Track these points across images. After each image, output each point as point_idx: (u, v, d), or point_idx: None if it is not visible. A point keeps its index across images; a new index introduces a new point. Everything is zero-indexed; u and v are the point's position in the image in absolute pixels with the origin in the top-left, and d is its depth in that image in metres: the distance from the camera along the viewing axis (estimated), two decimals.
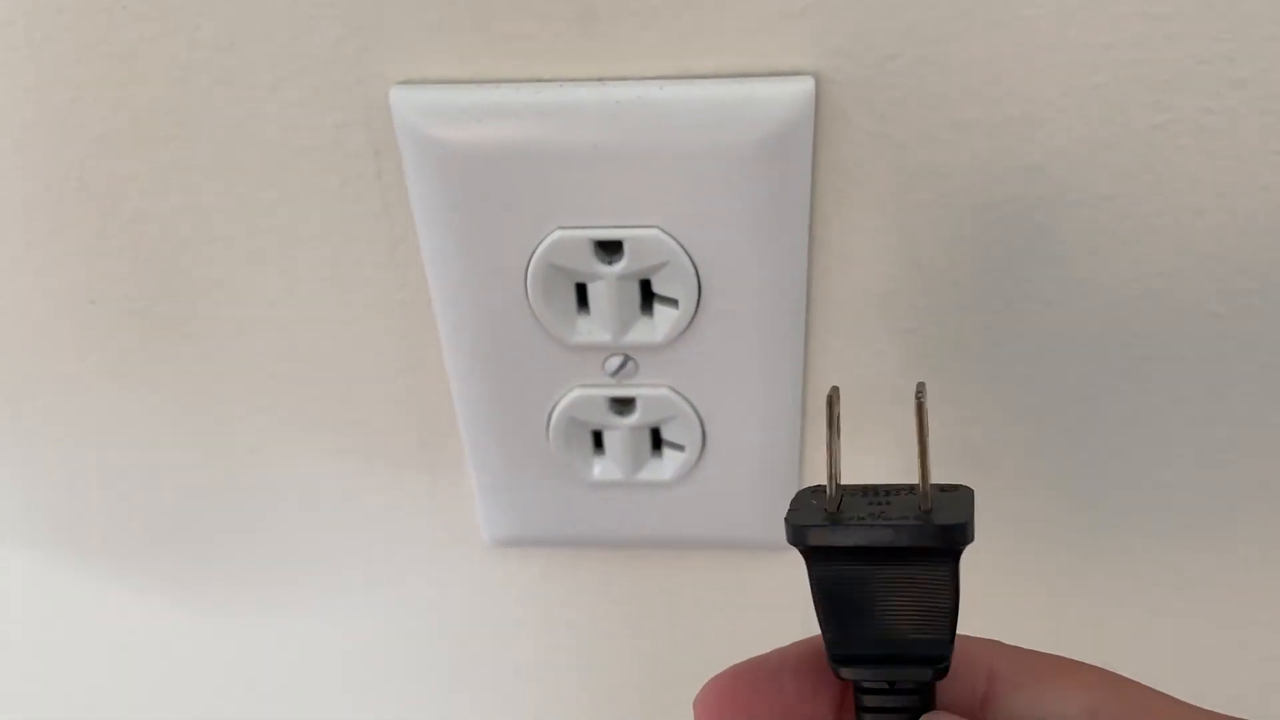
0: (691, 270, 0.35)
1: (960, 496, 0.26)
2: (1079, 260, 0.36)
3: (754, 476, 0.41)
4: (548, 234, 0.35)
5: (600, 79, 0.34)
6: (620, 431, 0.40)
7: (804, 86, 0.33)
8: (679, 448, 0.41)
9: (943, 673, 0.26)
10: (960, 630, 0.26)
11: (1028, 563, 0.45)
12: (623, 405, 0.40)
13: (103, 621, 0.52)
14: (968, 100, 0.33)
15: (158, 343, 0.41)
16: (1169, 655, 0.47)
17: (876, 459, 0.41)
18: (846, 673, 0.26)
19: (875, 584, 0.25)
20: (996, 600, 0.45)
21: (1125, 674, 0.26)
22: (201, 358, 0.41)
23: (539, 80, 0.34)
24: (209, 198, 0.37)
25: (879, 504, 0.26)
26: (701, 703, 0.26)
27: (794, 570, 0.45)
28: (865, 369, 0.39)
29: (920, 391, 0.25)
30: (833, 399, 0.26)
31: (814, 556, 0.26)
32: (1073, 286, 0.36)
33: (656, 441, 0.41)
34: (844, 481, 0.26)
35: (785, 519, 0.26)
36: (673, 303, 0.36)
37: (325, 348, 0.41)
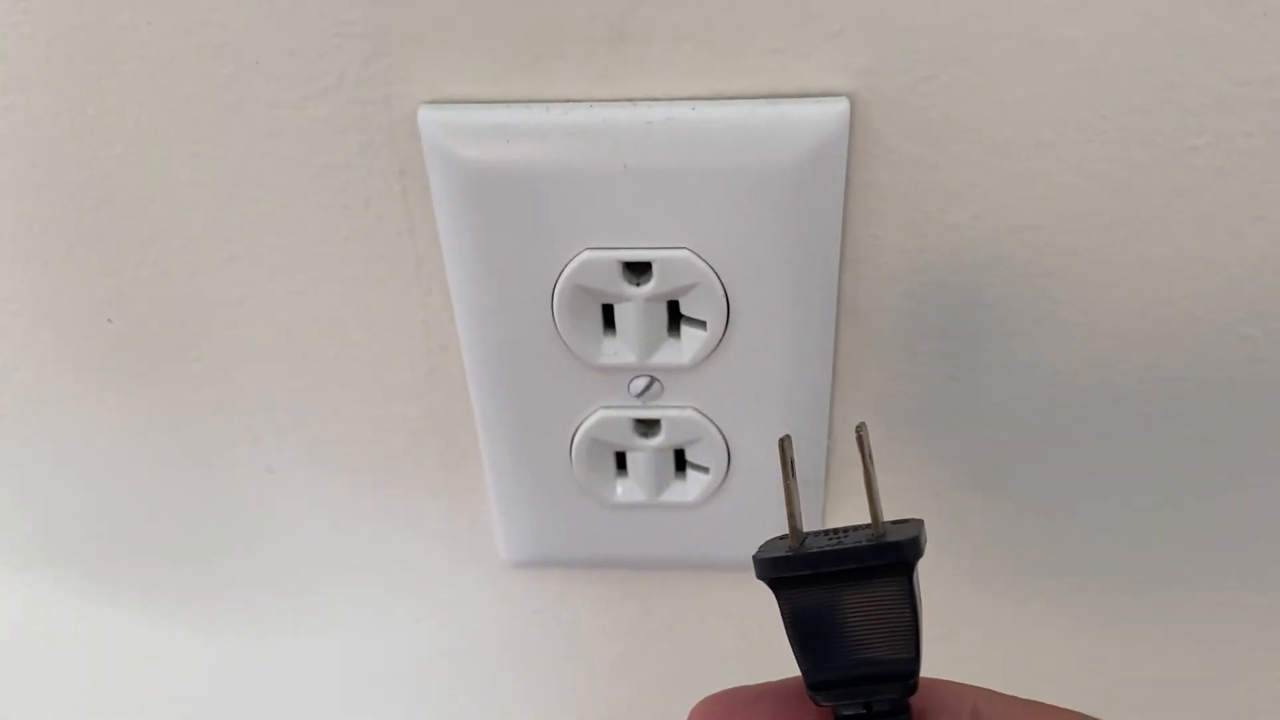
0: (721, 292, 0.35)
1: (911, 524, 0.28)
2: (1112, 283, 0.35)
3: (779, 498, 0.41)
4: (575, 255, 0.35)
5: (631, 99, 0.33)
6: (644, 453, 0.40)
7: (838, 107, 0.32)
8: (703, 469, 0.40)
9: (912, 689, 0.27)
10: (953, 677, 0.28)
11: (1052, 590, 0.44)
12: (647, 426, 0.39)
13: (112, 643, 0.52)
14: (1004, 122, 0.33)
15: (175, 361, 0.41)
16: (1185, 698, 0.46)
17: (904, 479, 0.41)
18: (822, 698, 0.27)
19: (839, 609, 0.27)
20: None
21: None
22: (219, 376, 0.41)
23: (569, 100, 0.33)
24: (230, 216, 0.37)
25: (837, 537, 0.28)
26: None
27: None
28: (895, 391, 0.39)
29: (861, 429, 0.28)
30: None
31: (780, 588, 0.27)
32: (1105, 309, 0.36)
33: (680, 463, 0.41)
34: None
35: (753, 557, 0.28)
36: (701, 324, 0.36)
37: (345, 367, 0.40)
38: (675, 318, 0.37)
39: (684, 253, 0.34)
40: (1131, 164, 0.33)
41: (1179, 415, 0.39)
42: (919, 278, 0.36)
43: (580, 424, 0.39)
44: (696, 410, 0.38)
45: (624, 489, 0.41)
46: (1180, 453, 0.40)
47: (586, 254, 0.35)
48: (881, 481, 0.41)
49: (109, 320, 0.40)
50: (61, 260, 0.38)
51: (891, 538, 0.27)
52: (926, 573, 0.42)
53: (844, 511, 0.42)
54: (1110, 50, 0.31)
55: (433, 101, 0.34)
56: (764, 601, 0.46)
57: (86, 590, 0.49)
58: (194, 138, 0.35)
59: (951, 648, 0.46)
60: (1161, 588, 0.44)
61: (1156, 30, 0.30)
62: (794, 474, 0.28)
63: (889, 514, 0.38)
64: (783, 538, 0.29)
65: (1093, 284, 0.36)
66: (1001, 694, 0.28)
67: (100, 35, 0.33)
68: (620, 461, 0.41)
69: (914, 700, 0.28)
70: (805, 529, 0.29)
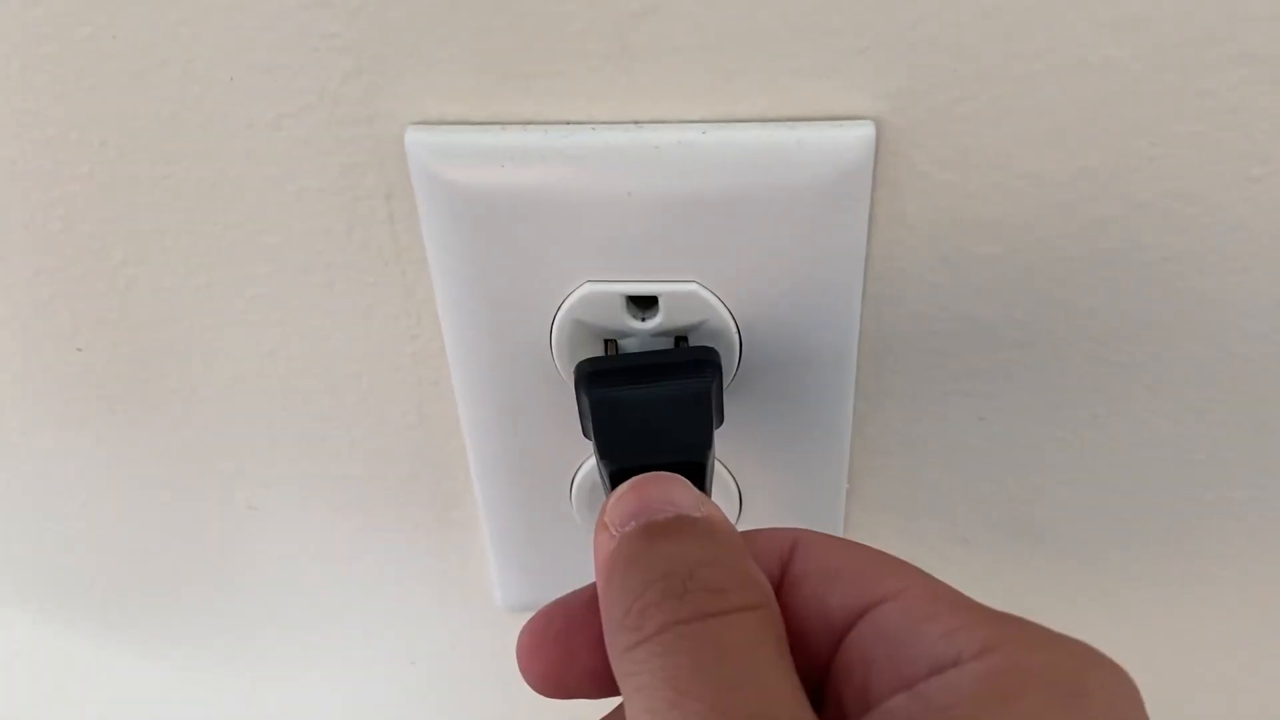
0: (733, 329, 0.32)
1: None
2: (1160, 322, 0.33)
3: None
4: (576, 287, 0.32)
5: (636, 121, 0.30)
6: None
7: (863, 132, 0.29)
8: None
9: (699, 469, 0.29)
10: None
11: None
12: None
13: (87, 684, 0.49)
14: (1043, 148, 0.30)
15: (149, 393, 0.38)
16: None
17: (931, 524, 0.38)
18: (619, 473, 0.28)
19: (642, 405, 0.30)
20: None
21: None
22: (196, 409, 0.38)
23: (568, 122, 0.31)
24: (204, 241, 0.34)
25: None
26: (520, 646, 0.26)
27: None
28: (920, 433, 0.36)
29: None
30: None
31: (593, 383, 0.30)
32: (1148, 350, 0.33)
33: None
34: None
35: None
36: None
37: (329, 401, 0.37)
38: None
39: (692, 286, 0.32)
40: (1184, 195, 0.30)
41: (1226, 462, 0.36)
42: (948, 314, 0.33)
43: (580, 465, 0.37)
44: None
45: None
46: (1226, 499, 0.37)
47: (587, 287, 0.32)
48: (906, 525, 0.38)
49: (78, 349, 0.37)
50: (27, 286, 0.36)
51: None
52: None
53: None
54: (1164, 72, 0.28)
55: (421, 122, 0.31)
56: None
57: (59, 630, 0.47)
58: (164, 159, 0.33)
59: None
60: (1198, 634, 0.41)
61: (1221, 49, 0.28)
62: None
63: (922, 557, 0.38)
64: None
65: (1138, 324, 0.33)
66: (824, 534, 0.26)
67: (61, 49, 0.31)
68: None
69: None
70: None
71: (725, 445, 0.35)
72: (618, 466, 0.29)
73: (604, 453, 0.30)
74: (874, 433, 0.36)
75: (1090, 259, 0.32)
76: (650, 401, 0.30)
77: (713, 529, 0.23)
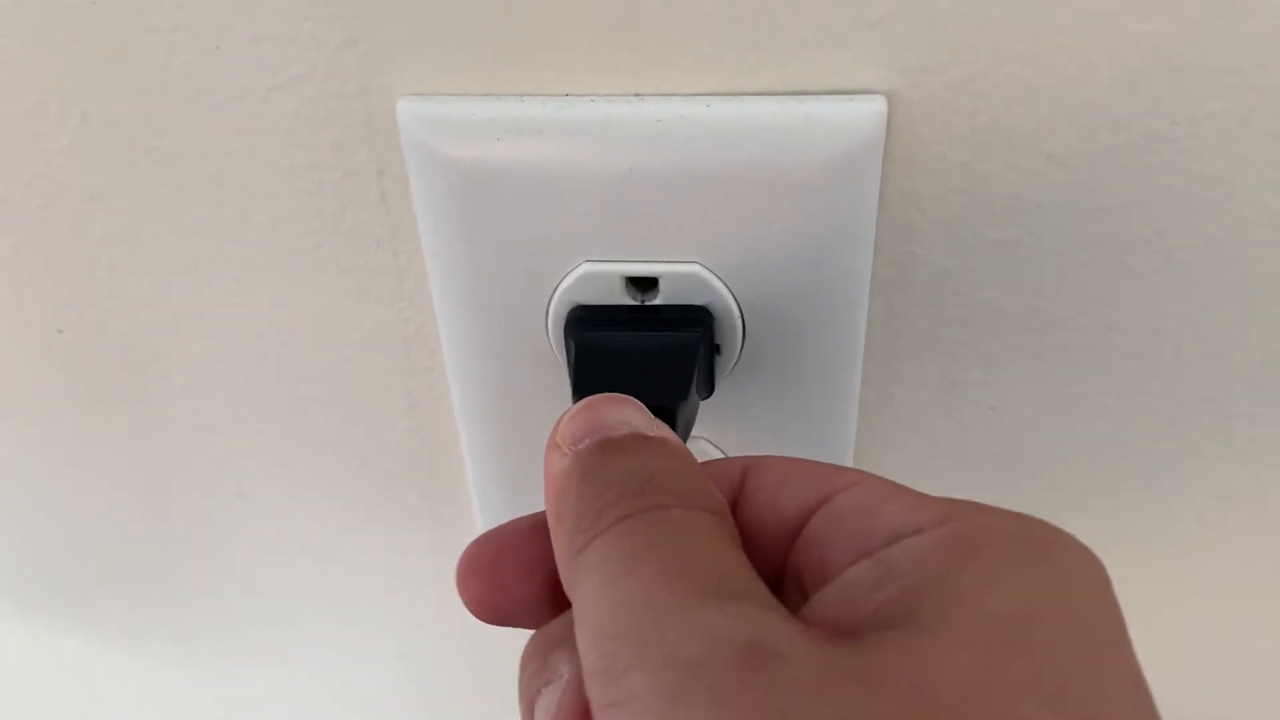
0: (736, 312, 0.31)
1: None
2: (1176, 313, 0.31)
3: None
4: (574, 267, 0.31)
5: (638, 94, 0.29)
6: None
7: (874, 107, 0.28)
8: None
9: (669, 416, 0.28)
10: None
11: None
12: None
13: (75, 675, 0.48)
14: (1062, 127, 0.29)
15: (133, 376, 0.37)
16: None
17: None
18: None
19: (625, 353, 0.30)
20: None
21: None
22: (182, 393, 0.37)
23: (568, 94, 0.29)
24: (190, 219, 0.33)
25: None
26: (457, 571, 0.25)
27: None
28: (929, 423, 0.35)
29: None
30: None
31: (579, 328, 0.30)
32: (1166, 340, 0.32)
33: None
34: None
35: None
36: (713, 348, 0.32)
37: (319, 386, 0.36)
38: None
39: (695, 267, 0.30)
40: (1205, 178, 0.29)
41: (1244, 455, 0.35)
42: (960, 299, 0.32)
43: None
44: (707, 441, 0.35)
45: None
46: (1247, 491, 0.36)
47: (586, 266, 0.31)
48: None
49: (59, 331, 0.36)
50: (5, 265, 0.35)
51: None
52: None
53: None
54: (1187, 47, 0.27)
55: (414, 94, 0.30)
56: None
57: (40, 621, 0.46)
58: (149, 132, 0.31)
59: None
60: (1212, 629, 0.40)
61: (1247, 24, 0.26)
62: None
63: None
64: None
65: (1155, 313, 0.32)
66: (775, 455, 0.25)
67: (40, 14, 0.30)
68: None
69: None
70: None
71: (725, 431, 0.34)
72: None
73: (577, 390, 0.30)
74: (881, 422, 0.35)
75: (1108, 244, 0.30)
76: (633, 350, 0.30)
77: (667, 446, 0.23)
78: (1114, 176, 0.29)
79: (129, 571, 0.43)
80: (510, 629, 0.38)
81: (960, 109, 0.29)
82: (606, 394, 0.24)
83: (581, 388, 0.30)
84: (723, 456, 0.35)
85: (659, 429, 0.23)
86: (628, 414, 0.24)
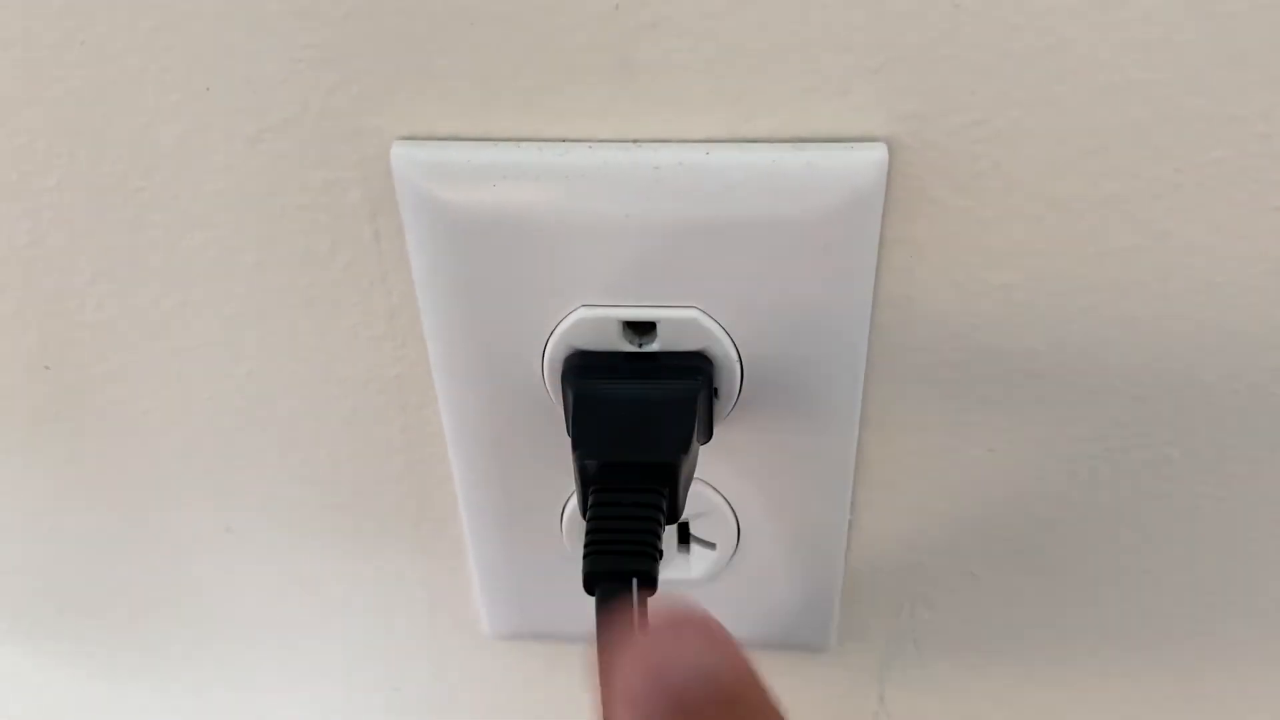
0: (734, 357, 0.31)
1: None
2: (1178, 355, 0.31)
3: (791, 576, 0.37)
4: (570, 312, 0.31)
5: (636, 140, 0.29)
6: None
7: (875, 155, 0.28)
8: (710, 545, 0.36)
9: (672, 473, 0.28)
10: None
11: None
12: None
13: (61, 712, 0.47)
14: (1064, 173, 0.28)
15: (121, 413, 0.36)
16: None
17: (935, 558, 0.37)
18: (590, 465, 0.29)
19: (625, 402, 0.29)
20: None
21: None
22: (172, 430, 0.37)
23: (565, 140, 0.29)
24: (179, 259, 0.32)
25: None
26: None
27: (829, 671, 0.40)
28: (927, 464, 0.34)
29: None
30: None
31: (577, 376, 0.30)
32: (1166, 383, 0.32)
33: (684, 535, 0.36)
34: None
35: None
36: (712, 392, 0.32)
37: (311, 424, 0.36)
38: None
39: (693, 313, 0.30)
40: (1209, 224, 0.29)
41: (1241, 496, 0.34)
42: (959, 343, 0.32)
43: (572, 493, 0.35)
44: (704, 482, 0.34)
45: None
46: (1239, 539, 0.35)
47: (582, 311, 0.30)
48: (909, 557, 0.37)
49: (47, 367, 0.36)
50: None
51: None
52: (952, 653, 0.38)
53: (865, 597, 0.38)
54: (1191, 96, 0.27)
55: (408, 137, 0.29)
56: (777, 684, 0.42)
57: (25, 656, 0.45)
58: (138, 172, 0.31)
59: None
60: (1210, 673, 0.40)
61: (1249, 75, 0.26)
62: None
63: (926, 589, 0.38)
64: None
65: (1157, 355, 0.31)
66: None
67: (29, 55, 0.29)
68: None
69: None
70: None
71: (724, 475, 0.34)
72: (589, 461, 0.29)
73: (577, 444, 0.29)
74: (878, 464, 0.35)
75: (1109, 289, 0.30)
76: (631, 399, 0.29)
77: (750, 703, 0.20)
78: (1116, 222, 0.29)
79: (114, 607, 0.43)
80: (506, 653, 0.38)
81: (960, 155, 0.28)
82: (660, 620, 0.21)
83: (581, 440, 0.29)
84: (721, 500, 0.34)
85: (733, 657, 0.21)
86: (696, 651, 0.20)
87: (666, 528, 0.30)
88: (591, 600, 0.34)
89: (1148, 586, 0.37)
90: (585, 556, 0.28)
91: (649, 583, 0.28)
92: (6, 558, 0.42)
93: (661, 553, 0.28)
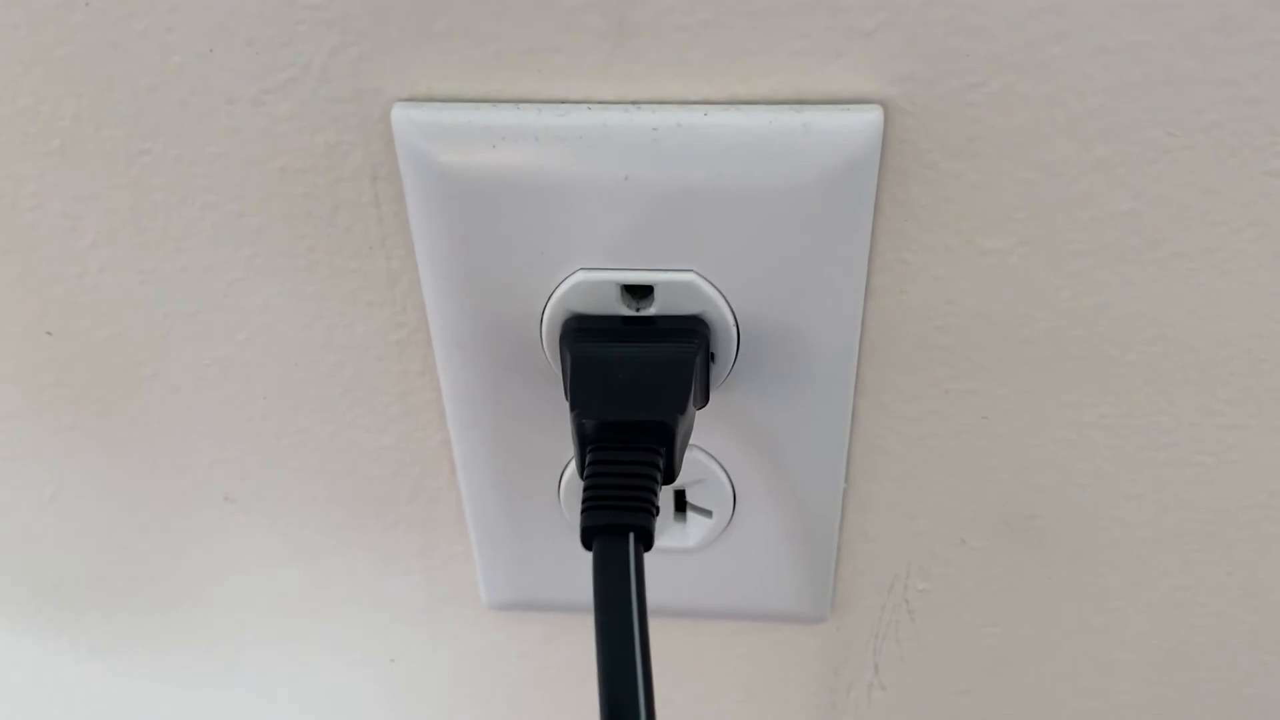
0: (731, 321, 0.31)
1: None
2: (1172, 321, 0.32)
3: (787, 544, 0.37)
4: (568, 275, 0.31)
5: (635, 102, 0.29)
6: None
7: (871, 116, 0.28)
8: (706, 513, 0.36)
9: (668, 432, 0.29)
10: None
11: None
12: None
13: (54, 685, 0.48)
14: (1057, 137, 0.29)
15: (122, 379, 0.37)
16: None
17: (929, 524, 0.37)
18: (588, 424, 0.29)
19: (621, 363, 0.30)
20: None
21: None
22: (170, 395, 0.37)
23: (564, 101, 0.29)
24: (181, 223, 0.33)
25: None
26: None
27: (823, 642, 0.40)
28: (920, 431, 0.35)
29: None
30: None
31: (575, 339, 0.30)
32: (1158, 348, 0.32)
33: (680, 503, 0.37)
34: None
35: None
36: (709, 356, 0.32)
37: (309, 390, 0.36)
38: None
39: (690, 276, 0.30)
40: (1201, 188, 0.29)
41: (1236, 466, 0.35)
42: (953, 308, 0.32)
43: (569, 461, 0.35)
44: (700, 449, 0.35)
45: None
46: (1233, 507, 0.36)
47: (580, 274, 0.31)
48: (904, 527, 0.37)
49: (48, 333, 0.36)
50: None
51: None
52: (946, 624, 0.39)
53: (859, 566, 0.39)
54: (1185, 59, 0.27)
55: (408, 99, 0.30)
56: (772, 654, 0.42)
57: (20, 632, 0.45)
58: (140, 134, 0.31)
59: (969, 703, 0.43)
60: (1197, 657, 0.40)
61: (1244, 38, 0.26)
62: None
63: (920, 559, 0.38)
64: None
65: (1147, 320, 0.32)
66: None
67: (32, 16, 0.29)
68: None
69: None
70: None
71: (719, 440, 0.34)
72: (587, 420, 0.29)
73: (575, 404, 0.29)
74: (872, 430, 0.35)
75: (1102, 254, 0.30)
76: (628, 360, 0.30)
77: None
78: (1109, 186, 0.29)
79: (113, 576, 0.43)
80: (504, 623, 0.38)
81: (955, 118, 0.29)
82: None
83: (579, 400, 0.29)
84: (717, 466, 0.35)
85: None
86: None
87: (662, 489, 0.30)
88: (589, 565, 0.34)
89: (1144, 556, 0.37)
90: (583, 512, 0.28)
91: (645, 538, 0.28)
92: (6, 530, 0.42)
93: (658, 509, 0.29)
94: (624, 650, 0.26)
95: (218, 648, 0.45)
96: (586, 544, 0.28)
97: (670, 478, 0.29)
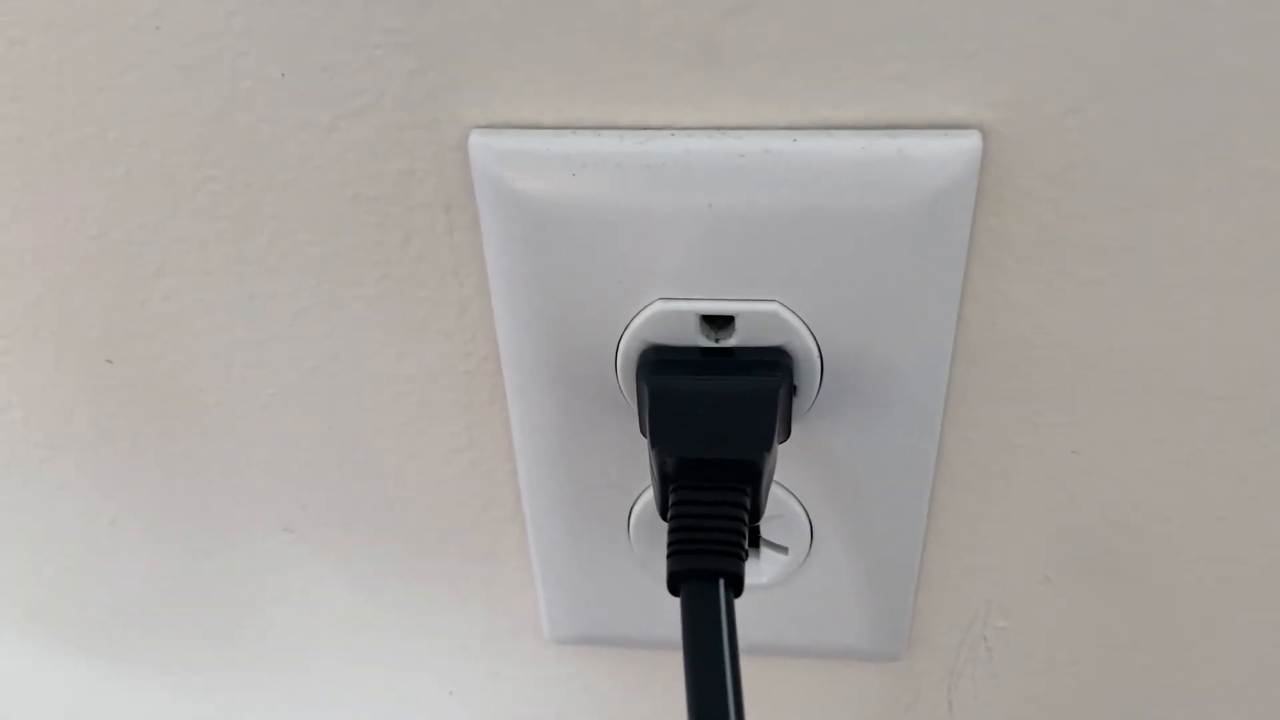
0: (815, 353, 0.30)
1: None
2: (1270, 356, 0.30)
3: (864, 582, 0.36)
4: (646, 305, 0.30)
5: (720, 128, 0.28)
6: None
7: (969, 142, 0.27)
8: (781, 549, 0.35)
9: (755, 475, 0.28)
10: None
11: None
12: None
13: (113, 713, 0.47)
14: (1160, 165, 0.27)
15: (183, 409, 0.36)
16: None
17: (1008, 560, 0.36)
18: (669, 462, 0.28)
19: (703, 398, 0.28)
20: None
21: None
22: (233, 425, 0.36)
23: (646, 128, 0.28)
24: (248, 251, 0.32)
25: None
26: None
27: (894, 679, 0.39)
28: (1007, 463, 0.33)
29: None
30: None
31: (653, 371, 0.29)
32: (1258, 383, 0.31)
33: (754, 538, 0.36)
34: None
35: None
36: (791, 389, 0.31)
37: (375, 420, 0.35)
38: None
39: (774, 306, 0.29)
40: None
41: None
42: (1045, 339, 0.31)
43: (640, 495, 0.34)
44: (779, 484, 0.33)
45: None
46: None
47: (659, 304, 0.30)
48: (984, 561, 0.36)
49: (109, 361, 0.35)
50: (58, 294, 0.34)
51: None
52: (1025, 662, 0.37)
53: (937, 603, 0.37)
54: None
55: (486, 126, 0.29)
56: (838, 690, 0.41)
57: (76, 659, 0.45)
58: (209, 160, 0.30)
59: None
60: None
61: None
62: None
63: (1000, 596, 0.37)
64: None
65: (1249, 355, 0.30)
66: None
67: (102, 40, 0.29)
68: None
69: None
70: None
71: (799, 474, 0.33)
72: (669, 458, 0.28)
73: (655, 441, 0.28)
74: (956, 464, 0.34)
75: (1203, 285, 0.29)
76: (711, 394, 0.28)
77: None
78: (1217, 217, 0.28)
79: (169, 603, 0.42)
80: (566, 657, 0.37)
81: (1053, 145, 0.28)
82: None
83: (659, 436, 0.28)
84: (794, 501, 0.34)
85: None
86: None
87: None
88: (663, 603, 0.33)
89: (1231, 596, 0.36)
90: (670, 556, 0.27)
91: (735, 583, 0.27)
92: (64, 557, 0.41)
93: (747, 553, 0.27)
94: (718, 705, 0.25)
95: (273, 676, 0.44)
96: (673, 589, 0.27)
97: (756, 517, 0.28)
